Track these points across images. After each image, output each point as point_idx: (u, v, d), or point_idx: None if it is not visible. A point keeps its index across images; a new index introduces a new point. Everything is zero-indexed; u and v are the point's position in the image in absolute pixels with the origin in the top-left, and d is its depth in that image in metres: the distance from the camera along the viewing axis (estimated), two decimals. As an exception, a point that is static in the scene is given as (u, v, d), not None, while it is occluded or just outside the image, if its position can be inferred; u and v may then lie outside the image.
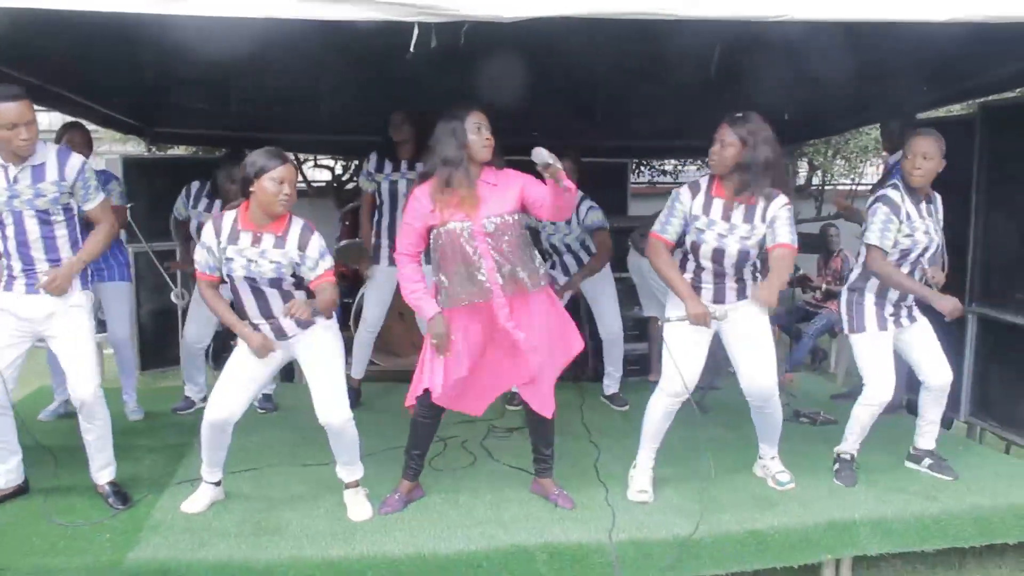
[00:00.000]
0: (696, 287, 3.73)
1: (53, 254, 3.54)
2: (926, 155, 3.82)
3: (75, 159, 3.58)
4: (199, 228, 4.62)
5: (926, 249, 3.92)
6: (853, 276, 4.10)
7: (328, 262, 3.48)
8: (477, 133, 3.46)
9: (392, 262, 5.13)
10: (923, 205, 3.92)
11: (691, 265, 3.77)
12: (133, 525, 3.50)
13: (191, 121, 6.94)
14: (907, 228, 3.86)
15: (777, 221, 3.57)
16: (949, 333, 4.32)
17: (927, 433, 4.19)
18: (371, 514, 3.63)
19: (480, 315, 3.54)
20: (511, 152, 3.69)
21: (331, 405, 3.54)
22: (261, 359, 3.51)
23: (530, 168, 3.42)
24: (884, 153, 5.56)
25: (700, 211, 3.67)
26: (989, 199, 4.86)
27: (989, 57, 4.54)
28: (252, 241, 3.40)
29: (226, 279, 3.48)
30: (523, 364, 3.59)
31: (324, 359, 3.58)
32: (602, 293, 5.48)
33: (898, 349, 4.07)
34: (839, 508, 3.73)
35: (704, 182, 3.73)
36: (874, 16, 3.15)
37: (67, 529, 3.45)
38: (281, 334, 3.54)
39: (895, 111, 5.42)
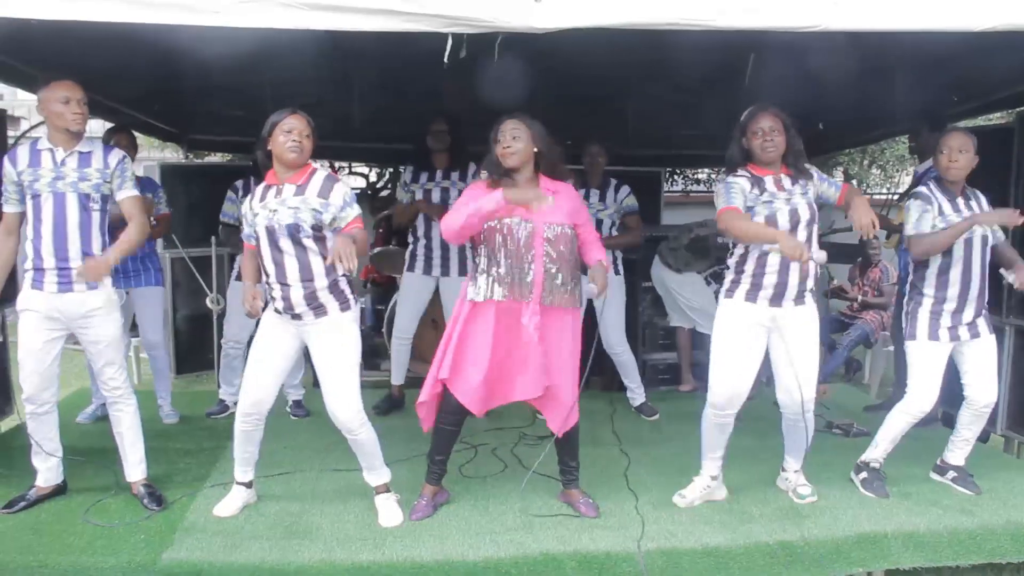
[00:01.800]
0: (755, 288, 3.67)
1: (87, 246, 3.59)
2: (961, 148, 3.81)
3: (117, 151, 3.75)
4: None
5: (978, 242, 3.87)
6: (909, 287, 4.07)
7: (356, 210, 3.52)
8: (498, 142, 3.54)
9: (426, 271, 5.19)
10: (959, 200, 3.88)
11: (749, 267, 3.69)
12: (167, 526, 3.55)
13: (227, 128, 7.04)
14: (941, 222, 3.84)
15: (824, 180, 3.72)
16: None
17: (959, 450, 4.13)
18: (402, 520, 3.64)
19: (509, 317, 3.56)
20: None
21: (337, 400, 3.56)
22: (252, 318, 3.63)
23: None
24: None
25: (756, 191, 3.66)
26: (1026, 208, 4.79)
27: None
28: (275, 194, 3.48)
29: (254, 240, 3.54)
30: (534, 379, 3.61)
31: (334, 351, 3.56)
32: (608, 304, 5.37)
33: (954, 360, 4.01)
34: (870, 521, 3.69)
35: (743, 171, 3.72)
36: (909, 26, 3.14)
37: (104, 528, 3.51)
38: (291, 311, 3.52)
39: (927, 121, 5.37)
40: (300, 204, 3.43)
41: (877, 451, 4.08)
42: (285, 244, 3.45)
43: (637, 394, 5.56)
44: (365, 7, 2.92)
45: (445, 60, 2.98)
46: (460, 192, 4.98)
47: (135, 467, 3.84)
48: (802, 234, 3.62)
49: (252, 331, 5.20)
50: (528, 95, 4.73)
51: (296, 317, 3.54)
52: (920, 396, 3.92)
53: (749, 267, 3.69)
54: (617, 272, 5.40)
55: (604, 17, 3.01)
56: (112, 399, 3.78)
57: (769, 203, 3.62)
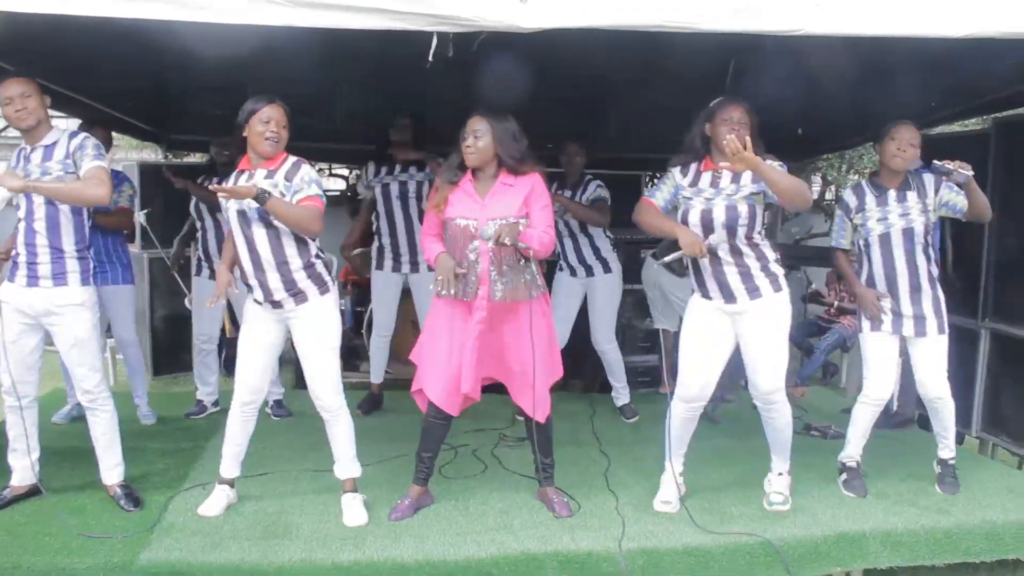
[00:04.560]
0: (702, 287, 3.73)
1: (56, 240, 3.54)
2: (911, 142, 3.89)
3: (79, 135, 3.65)
4: None
5: (889, 239, 3.94)
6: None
7: (316, 189, 3.49)
8: (463, 140, 3.57)
9: (394, 268, 5.20)
10: (891, 193, 3.95)
11: (691, 269, 3.76)
12: (145, 527, 3.51)
13: (208, 128, 6.97)
14: (860, 218, 4.00)
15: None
16: (962, 349, 4.32)
17: (940, 442, 4.18)
18: (367, 520, 3.63)
19: (461, 313, 3.59)
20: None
21: (319, 381, 3.60)
22: (220, 298, 3.64)
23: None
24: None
25: (687, 184, 3.72)
26: (1003, 214, 4.84)
27: (1002, 73, 4.55)
28: (247, 178, 3.48)
29: (227, 224, 3.55)
30: (485, 371, 3.66)
31: (316, 337, 3.60)
32: (600, 302, 5.42)
33: (911, 362, 4.08)
34: (849, 520, 3.72)
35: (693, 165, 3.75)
36: (890, 31, 3.16)
37: (80, 529, 3.47)
38: (270, 298, 3.53)
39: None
40: (270, 188, 3.42)
41: (850, 448, 4.13)
42: (257, 228, 3.46)
43: (622, 394, 5.56)
44: (352, 5, 2.91)
45: (430, 59, 2.98)
46: (418, 184, 5.10)
47: (111, 471, 3.79)
48: (718, 234, 3.61)
49: (222, 322, 5.21)
50: (510, 96, 4.72)
51: (276, 305, 3.54)
52: (875, 384, 4.01)
53: (692, 272, 3.78)
54: (609, 270, 5.40)
55: (589, 18, 3.00)
56: (86, 404, 3.72)
57: (688, 199, 3.69)
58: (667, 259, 3.72)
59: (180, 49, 3.78)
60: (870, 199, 3.99)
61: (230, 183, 3.49)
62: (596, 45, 3.78)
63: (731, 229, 3.60)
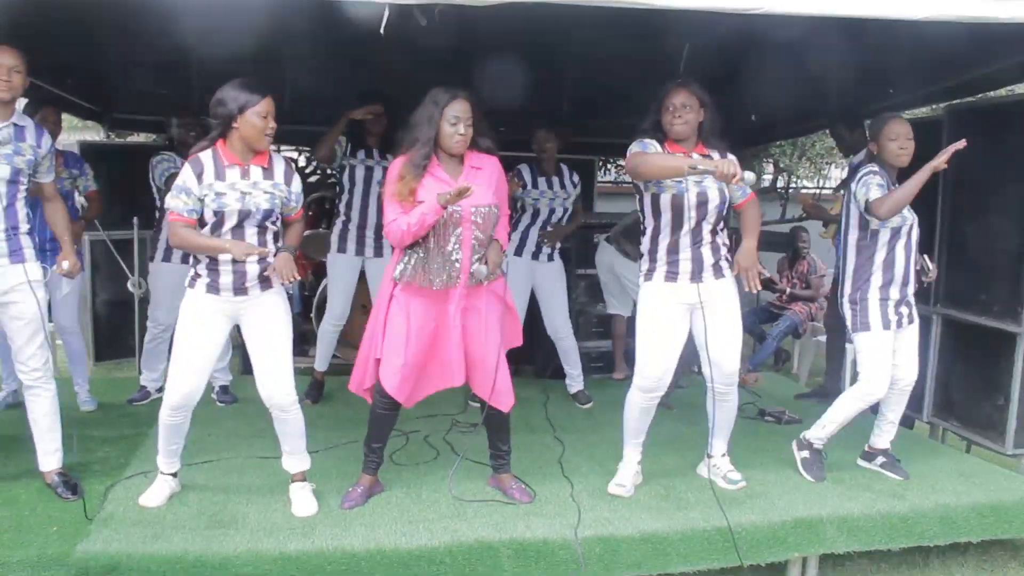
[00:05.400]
0: (673, 268, 3.67)
1: (13, 219, 3.46)
2: (909, 136, 3.88)
3: (48, 136, 3.65)
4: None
5: (912, 227, 3.95)
6: (851, 277, 4.05)
7: (302, 200, 3.59)
8: (452, 125, 3.39)
9: (358, 252, 5.07)
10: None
11: (662, 250, 3.69)
12: (83, 517, 3.37)
13: (152, 107, 6.78)
14: None
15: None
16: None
17: (885, 432, 4.18)
18: (316, 509, 3.52)
19: (433, 302, 3.49)
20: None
21: (275, 379, 3.45)
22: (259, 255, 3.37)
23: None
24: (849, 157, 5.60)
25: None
26: (955, 201, 4.88)
27: (959, 59, 4.57)
28: (241, 175, 3.35)
29: (207, 219, 3.36)
30: (456, 367, 3.55)
31: (272, 329, 3.46)
32: (551, 290, 5.39)
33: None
34: (806, 506, 3.71)
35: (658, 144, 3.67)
36: (850, 12, 3.13)
37: (12, 520, 3.31)
38: (241, 284, 3.39)
39: (843, 119, 5.47)
40: (273, 189, 3.38)
41: (824, 432, 4.09)
42: (249, 226, 3.36)
43: (576, 381, 5.52)
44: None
45: (382, 30, 2.88)
46: (384, 169, 4.90)
47: (50, 456, 3.64)
48: (710, 216, 3.62)
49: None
50: (461, 74, 4.63)
51: (241, 292, 3.40)
52: (876, 383, 3.95)
53: (662, 250, 3.69)
54: (552, 259, 5.37)
55: (545, -9, 2.93)
56: (29, 382, 3.57)
57: (679, 182, 3.58)
58: (700, 167, 3.44)
59: (119, 19, 3.64)
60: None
61: (210, 174, 3.32)
62: (549, 26, 3.71)
63: (721, 211, 3.64)
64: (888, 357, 3.96)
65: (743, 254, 3.62)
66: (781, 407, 5.28)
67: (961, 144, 3.70)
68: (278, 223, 3.47)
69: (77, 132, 11.31)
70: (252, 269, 3.37)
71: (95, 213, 5.12)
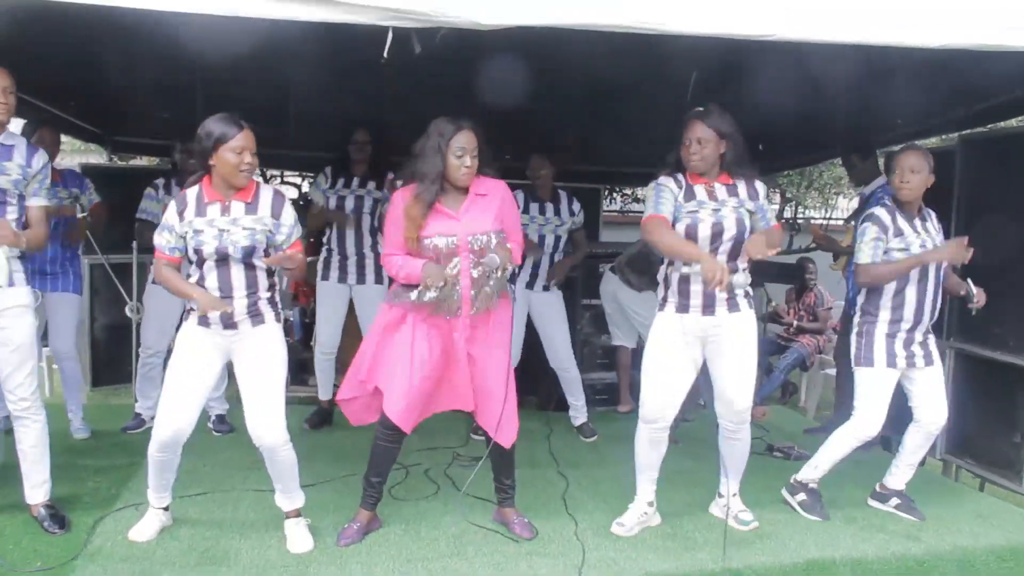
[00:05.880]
0: (685, 300, 3.57)
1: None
2: (913, 169, 3.79)
3: (42, 154, 3.50)
4: None
5: (927, 269, 3.84)
6: (859, 309, 3.97)
7: (299, 231, 3.40)
8: (459, 158, 3.33)
9: (341, 279, 5.07)
10: (916, 221, 3.87)
11: (674, 282, 3.60)
12: (69, 552, 3.27)
13: (155, 131, 6.74)
14: (900, 243, 3.80)
15: (763, 211, 3.59)
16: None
17: (902, 474, 4.07)
18: (311, 546, 3.42)
19: (437, 330, 3.42)
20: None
21: (264, 420, 3.32)
22: (210, 331, 3.30)
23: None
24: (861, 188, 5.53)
25: (683, 198, 3.55)
26: (968, 232, 4.77)
27: (971, 89, 4.50)
28: (221, 211, 3.24)
29: (191, 257, 3.28)
30: (463, 392, 3.49)
31: (263, 367, 3.35)
32: (551, 321, 5.29)
33: (901, 385, 3.95)
34: (818, 547, 3.60)
35: (679, 177, 3.60)
36: (866, 39, 3.06)
37: (-3, 555, 3.21)
38: (230, 322, 3.29)
39: (854, 148, 5.40)
40: (254, 224, 3.25)
41: (816, 472, 4.01)
42: (235, 263, 3.26)
43: (580, 412, 5.42)
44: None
45: (384, 55, 2.81)
46: (375, 200, 5.02)
47: (37, 488, 3.53)
48: (725, 247, 3.51)
49: (173, 338, 4.95)
50: (465, 103, 4.57)
51: (230, 326, 3.30)
52: (869, 421, 3.87)
53: (675, 281, 3.61)
54: (548, 288, 5.29)
55: (550, 16, 2.85)
56: (17, 412, 3.45)
57: (694, 212, 3.50)
58: (690, 271, 3.50)
59: (125, 46, 3.59)
60: (904, 224, 3.84)
61: (191, 211, 3.25)
62: (556, 52, 3.64)
63: (739, 241, 3.52)
64: (887, 397, 3.86)
65: (751, 241, 3.48)
66: (790, 442, 5.17)
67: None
68: (269, 254, 3.32)
69: (80, 154, 11.30)
70: (239, 305, 3.28)
71: (100, 221, 5.05)
